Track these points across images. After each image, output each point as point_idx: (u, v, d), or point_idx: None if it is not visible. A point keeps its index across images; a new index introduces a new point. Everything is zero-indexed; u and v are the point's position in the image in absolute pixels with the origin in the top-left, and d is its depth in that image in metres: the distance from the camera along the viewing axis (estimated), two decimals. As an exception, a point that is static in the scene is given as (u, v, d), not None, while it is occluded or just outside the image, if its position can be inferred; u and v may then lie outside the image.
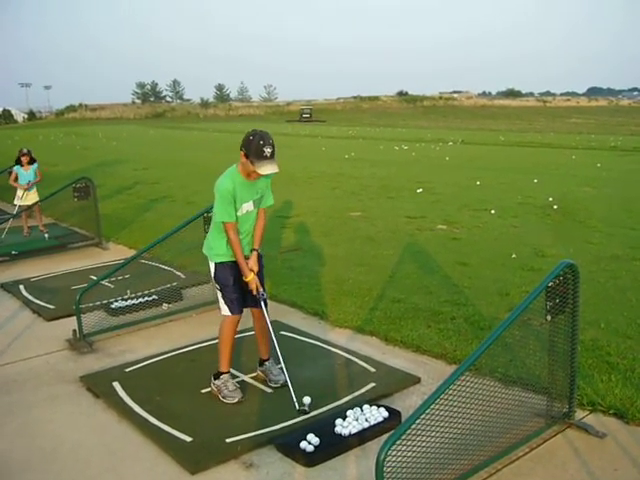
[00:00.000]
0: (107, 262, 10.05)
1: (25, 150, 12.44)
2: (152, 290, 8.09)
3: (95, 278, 7.72)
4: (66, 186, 11.67)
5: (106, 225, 12.33)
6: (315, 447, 4.46)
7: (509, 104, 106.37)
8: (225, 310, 5.35)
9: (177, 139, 45.50)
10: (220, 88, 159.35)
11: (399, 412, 4.93)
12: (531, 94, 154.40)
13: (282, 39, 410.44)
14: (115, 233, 12.31)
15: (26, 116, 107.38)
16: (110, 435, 4.87)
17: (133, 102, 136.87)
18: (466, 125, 61.97)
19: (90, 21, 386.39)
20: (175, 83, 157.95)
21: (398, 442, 3.37)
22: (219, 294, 5.36)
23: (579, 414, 4.89)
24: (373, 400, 5.17)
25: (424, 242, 10.97)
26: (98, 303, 7.52)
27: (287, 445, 4.55)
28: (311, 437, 4.53)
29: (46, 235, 12.01)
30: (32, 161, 12.42)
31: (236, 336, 5.40)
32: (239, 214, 5.19)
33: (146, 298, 7.78)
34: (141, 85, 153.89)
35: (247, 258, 5.28)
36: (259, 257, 5.43)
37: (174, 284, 8.40)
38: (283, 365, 5.39)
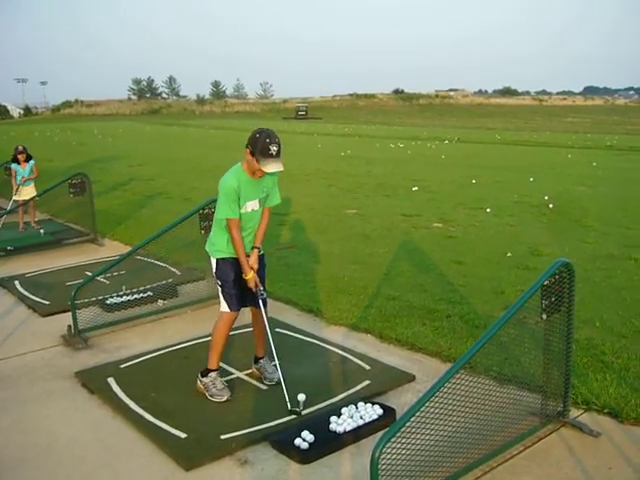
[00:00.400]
0: (103, 258, 10.05)
1: (21, 148, 12.42)
2: (147, 286, 8.07)
3: (90, 274, 7.70)
4: (62, 182, 11.67)
5: (102, 221, 12.31)
6: (310, 444, 4.47)
7: (505, 103, 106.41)
8: (224, 306, 5.35)
9: (173, 135, 45.47)
10: (216, 85, 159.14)
11: (394, 410, 4.93)
12: (527, 93, 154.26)
13: (279, 36, 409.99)
14: (111, 229, 12.30)
15: (22, 112, 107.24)
16: (105, 431, 4.87)
17: (129, 98, 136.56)
18: (462, 123, 62.02)
19: (87, 17, 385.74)
20: (171, 79, 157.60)
21: (393, 439, 3.38)
22: (219, 290, 5.37)
23: (574, 413, 4.90)
24: (368, 398, 5.17)
25: (419, 240, 10.98)
26: (93, 299, 7.50)
27: (282, 442, 4.55)
28: (306, 434, 4.54)
29: (41, 231, 11.98)
30: (28, 158, 12.41)
31: (231, 333, 5.39)
32: (243, 212, 5.18)
33: (141, 294, 7.77)
34: (137, 81, 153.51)
35: (248, 256, 5.28)
36: (261, 256, 5.44)
37: (169, 280, 8.39)
38: (277, 363, 5.38)
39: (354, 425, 4.70)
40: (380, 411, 4.89)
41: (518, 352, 4.73)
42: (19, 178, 12.35)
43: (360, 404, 4.98)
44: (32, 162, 12.46)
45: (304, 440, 4.49)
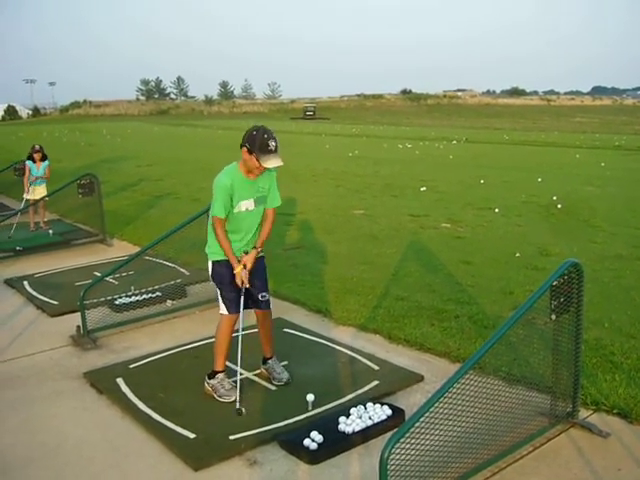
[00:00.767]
0: (111, 258, 10.08)
1: (37, 147, 12.47)
2: (156, 287, 8.09)
3: (99, 274, 7.73)
4: (71, 182, 11.70)
5: (110, 221, 12.34)
6: (319, 445, 4.46)
7: (513, 103, 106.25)
8: (222, 309, 5.35)
9: (181, 136, 45.55)
10: (224, 85, 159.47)
11: (403, 410, 4.92)
12: (535, 93, 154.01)
13: (287, 37, 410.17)
14: (119, 229, 12.32)
15: (30, 112, 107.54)
16: (114, 431, 4.88)
17: (137, 99, 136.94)
18: (470, 123, 61.95)
19: (95, 18, 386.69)
20: (179, 80, 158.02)
21: (402, 440, 3.37)
22: (218, 292, 5.37)
23: (583, 413, 4.88)
24: (377, 398, 5.17)
25: (427, 240, 10.96)
26: (102, 299, 7.52)
27: (291, 442, 4.55)
28: (315, 435, 4.53)
29: (50, 231, 12.03)
30: (44, 158, 12.46)
31: (242, 333, 5.38)
32: (237, 211, 5.16)
33: (150, 295, 7.78)
34: (145, 82, 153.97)
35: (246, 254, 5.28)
36: (261, 258, 5.43)
37: (178, 281, 8.39)
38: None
39: (363, 425, 4.70)
40: (389, 411, 4.88)
41: (527, 352, 4.72)
42: (31, 177, 12.37)
43: (369, 404, 4.98)
44: (47, 162, 12.51)
45: (313, 440, 4.49)
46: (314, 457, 4.39)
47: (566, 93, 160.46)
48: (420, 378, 5.60)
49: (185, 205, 14.27)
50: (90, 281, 7.33)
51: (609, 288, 8.06)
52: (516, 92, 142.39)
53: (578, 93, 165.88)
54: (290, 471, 4.31)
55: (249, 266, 5.24)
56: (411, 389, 5.44)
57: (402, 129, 53.35)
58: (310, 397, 5.07)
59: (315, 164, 23.73)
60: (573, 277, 4.46)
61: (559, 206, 14.21)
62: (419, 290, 8.06)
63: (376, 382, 5.51)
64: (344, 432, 4.64)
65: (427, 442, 3.62)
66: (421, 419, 3.47)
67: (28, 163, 12.41)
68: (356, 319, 7.11)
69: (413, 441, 3.50)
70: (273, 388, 5.47)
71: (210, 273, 5.38)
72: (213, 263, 5.34)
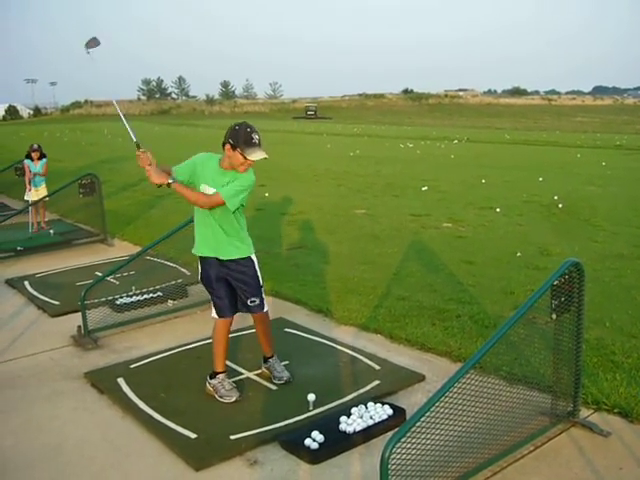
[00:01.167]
0: (112, 258, 10.08)
1: (35, 146, 12.47)
2: (157, 287, 8.09)
3: (100, 274, 7.73)
4: (71, 182, 11.70)
5: (111, 221, 12.34)
6: (320, 444, 4.46)
7: (514, 102, 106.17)
8: (213, 312, 5.36)
9: (182, 136, 45.51)
10: (225, 85, 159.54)
11: (404, 410, 4.92)
12: (536, 92, 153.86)
13: (288, 37, 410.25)
14: (120, 229, 12.32)
15: (32, 112, 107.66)
16: (114, 431, 4.88)
17: (138, 99, 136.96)
18: (471, 123, 61.94)
19: (96, 17, 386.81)
20: (180, 80, 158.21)
21: (403, 440, 3.37)
22: (210, 295, 5.38)
23: (584, 413, 4.88)
24: (378, 398, 5.17)
25: (429, 240, 10.96)
26: (103, 299, 7.52)
27: (291, 442, 4.55)
28: (316, 434, 4.53)
29: (51, 231, 12.03)
30: (42, 156, 12.46)
31: (239, 333, 5.39)
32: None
33: (151, 295, 7.78)
34: (147, 82, 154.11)
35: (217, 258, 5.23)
36: (250, 264, 5.29)
37: (179, 281, 8.39)
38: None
39: (364, 425, 4.69)
40: (390, 411, 4.88)
41: (528, 352, 4.72)
42: (30, 174, 12.37)
43: (370, 404, 4.98)
44: (44, 160, 12.50)
45: (314, 440, 4.49)
46: (315, 457, 4.39)
47: (567, 93, 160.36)
48: (421, 378, 5.60)
49: (186, 205, 14.08)
50: (91, 281, 7.33)
51: (610, 287, 8.06)
52: (517, 92, 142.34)
53: (579, 93, 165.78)
54: (291, 471, 4.30)
55: (161, 180, 5.16)
56: (412, 389, 5.44)
57: (403, 129, 53.35)
58: (311, 397, 5.07)
59: (316, 164, 23.72)
60: (574, 276, 4.46)
61: (560, 206, 14.20)
62: (420, 290, 8.06)
63: (377, 382, 5.51)
64: (345, 432, 4.64)
65: (428, 441, 3.61)
66: (422, 419, 3.47)
67: (26, 162, 12.42)
68: (357, 319, 7.10)
69: (414, 440, 3.49)
70: (274, 388, 5.47)
71: (199, 275, 5.38)
72: (199, 262, 5.32)
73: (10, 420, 5.09)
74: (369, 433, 4.64)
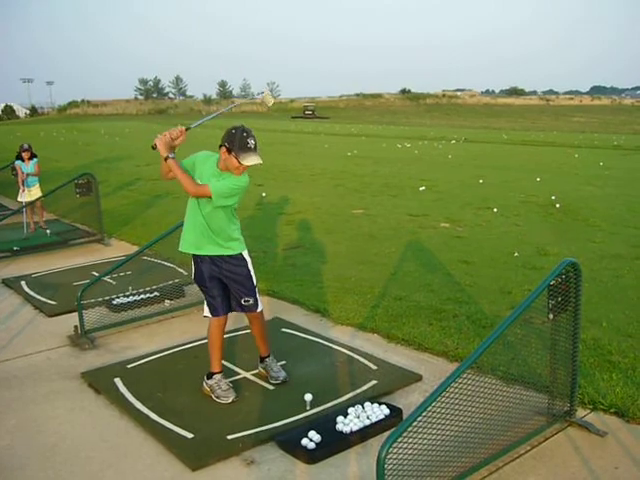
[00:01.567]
0: (109, 258, 10.07)
1: (26, 146, 12.43)
2: (154, 286, 8.08)
3: (97, 274, 7.72)
4: (68, 182, 11.68)
5: (108, 221, 12.34)
6: (316, 444, 4.46)
7: (512, 102, 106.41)
8: (206, 311, 5.36)
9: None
10: (223, 85, 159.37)
11: (400, 410, 4.92)
12: (534, 93, 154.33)
13: (285, 37, 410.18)
14: (117, 229, 12.32)
15: (28, 112, 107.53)
16: (111, 431, 4.87)
17: (136, 98, 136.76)
18: (469, 123, 61.99)
19: (93, 17, 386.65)
20: (178, 79, 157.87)
21: (399, 439, 3.37)
22: (204, 295, 5.37)
23: (580, 412, 4.88)
24: (374, 397, 5.17)
25: (426, 240, 10.96)
26: (100, 299, 7.53)
27: (288, 442, 4.55)
28: (312, 434, 4.53)
29: (48, 231, 12.02)
30: (32, 156, 12.42)
31: (235, 334, 5.39)
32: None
33: (148, 294, 7.77)
34: (144, 81, 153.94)
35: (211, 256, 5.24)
36: (243, 264, 5.30)
37: (176, 281, 8.39)
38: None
39: (361, 425, 4.69)
40: (387, 411, 4.88)
41: (525, 352, 4.71)
42: (22, 175, 12.33)
43: (367, 404, 4.97)
44: (35, 160, 12.45)
45: (311, 440, 4.49)
46: (312, 457, 4.39)
47: (565, 93, 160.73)
48: (418, 377, 5.60)
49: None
50: (88, 281, 7.32)
51: (607, 287, 8.06)
52: (515, 92, 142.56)
53: (577, 93, 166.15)
54: (288, 471, 4.30)
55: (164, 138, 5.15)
56: (409, 388, 5.44)
57: (401, 129, 53.36)
58: (308, 397, 5.06)
59: (314, 163, 23.72)
60: (571, 276, 4.46)
61: (558, 206, 14.21)
62: (418, 290, 8.06)
63: (374, 381, 5.51)
64: (342, 432, 4.63)
65: (425, 441, 3.61)
66: (419, 418, 3.47)
67: (17, 163, 12.37)
68: (354, 319, 7.10)
69: (411, 440, 3.49)
70: (271, 388, 5.47)
71: (192, 274, 5.38)
72: (192, 260, 5.32)
73: (6, 420, 5.08)
74: (366, 433, 4.64)
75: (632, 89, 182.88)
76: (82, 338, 6.67)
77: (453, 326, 6.76)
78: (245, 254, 5.33)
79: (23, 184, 12.37)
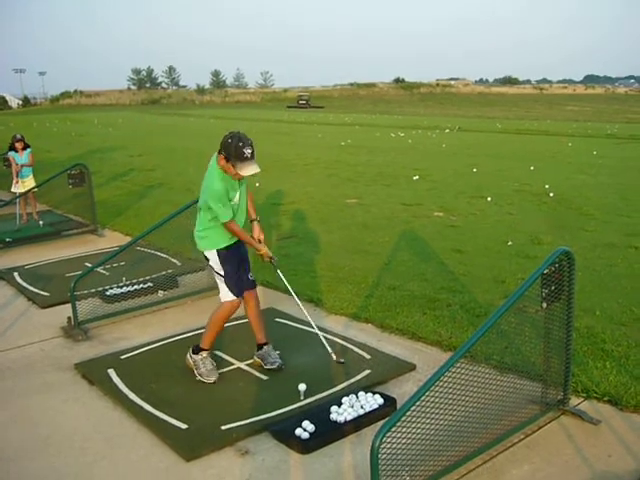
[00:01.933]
0: (102, 249, 10.04)
1: (19, 136, 12.37)
2: (147, 277, 8.07)
3: (90, 265, 7.69)
4: (61, 173, 11.64)
5: (101, 212, 12.30)
6: (310, 434, 4.46)
7: (506, 91, 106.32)
8: (228, 295, 5.39)
9: (173, 125, 45.34)
10: (216, 74, 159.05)
11: (394, 399, 4.93)
12: (528, 82, 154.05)
13: (279, 26, 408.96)
14: (111, 220, 12.28)
15: (21, 102, 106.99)
16: (105, 422, 4.87)
17: (129, 88, 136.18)
18: (463, 112, 61.92)
19: (85, 6, 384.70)
20: (171, 69, 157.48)
21: (393, 429, 3.37)
22: (222, 280, 5.39)
23: (574, 401, 4.90)
24: (368, 387, 5.18)
25: (420, 229, 10.96)
26: (93, 290, 7.50)
27: (282, 432, 4.55)
28: (306, 424, 4.53)
29: (41, 222, 11.98)
30: (26, 147, 12.36)
31: (230, 324, 5.41)
32: (232, 204, 5.33)
33: (141, 285, 7.76)
34: (137, 71, 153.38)
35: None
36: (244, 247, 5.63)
37: (169, 271, 8.38)
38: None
39: (355, 415, 4.70)
40: (381, 400, 4.88)
41: (518, 341, 4.72)
42: (17, 167, 12.27)
43: (361, 393, 4.98)
44: (29, 150, 12.39)
45: (305, 430, 4.49)
46: (306, 446, 4.39)
47: (559, 82, 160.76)
48: (412, 367, 5.60)
49: (177, 195, 14.20)
50: (81, 272, 7.30)
51: (601, 276, 8.08)
52: (509, 81, 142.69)
53: (570, 82, 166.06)
54: (282, 461, 4.31)
55: (262, 237, 5.64)
56: (403, 378, 5.45)
57: (395, 118, 53.26)
58: (302, 386, 5.07)
59: (307, 153, 23.66)
60: (564, 265, 4.46)
61: (551, 194, 14.21)
62: (411, 279, 8.06)
63: (368, 371, 5.52)
64: (336, 421, 4.64)
65: (419, 430, 3.62)
66: (412, 408, 3.47)
67: (11, 154, 12.31)
68: (348, 308, 7.10)
69: (404, 430, 3.50)
70: (265, 378, 5.47)
71: (218, 262, 5.40)
72: (219, 252, 5.39)
73: (0, 412, 5.07)
74: (360, 422, 4.65)
75: (625, 78, 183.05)
76: (75, 329, 6.66)
77: (447, 315, 6.77)
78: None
79: (17, 175, 12.31)
